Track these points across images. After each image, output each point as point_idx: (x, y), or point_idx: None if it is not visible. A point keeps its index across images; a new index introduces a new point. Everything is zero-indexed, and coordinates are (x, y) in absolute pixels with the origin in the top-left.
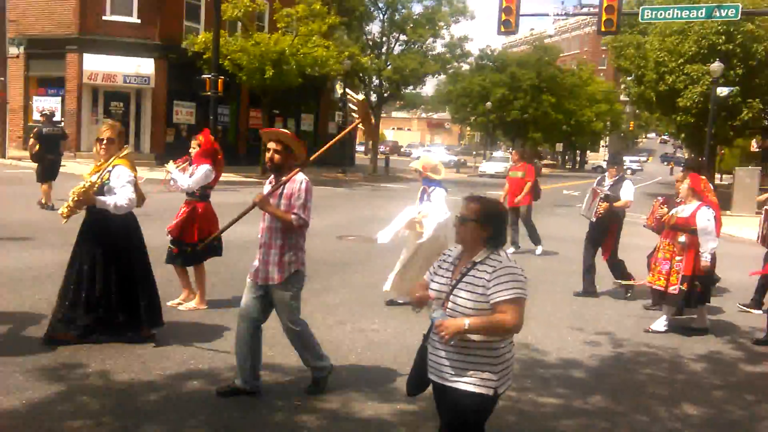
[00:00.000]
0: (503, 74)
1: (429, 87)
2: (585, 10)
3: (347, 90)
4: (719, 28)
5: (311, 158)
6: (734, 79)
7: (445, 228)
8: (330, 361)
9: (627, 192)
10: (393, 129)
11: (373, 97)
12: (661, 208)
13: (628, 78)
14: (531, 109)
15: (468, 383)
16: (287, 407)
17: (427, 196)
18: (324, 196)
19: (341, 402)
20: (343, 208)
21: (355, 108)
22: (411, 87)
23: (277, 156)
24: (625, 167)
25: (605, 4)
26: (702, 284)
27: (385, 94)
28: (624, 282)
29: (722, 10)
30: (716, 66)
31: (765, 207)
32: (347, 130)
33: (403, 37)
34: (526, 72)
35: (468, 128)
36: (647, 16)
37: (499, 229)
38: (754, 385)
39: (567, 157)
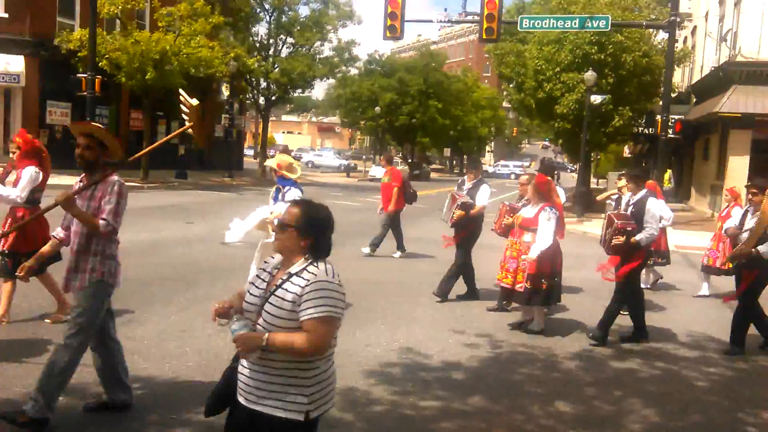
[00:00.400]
0: (392, 79)
1: (319, 91)
2: (469, 18)
3: (181, 92)
4: (592, 38)
5: (131, 158)
6: (606, 87)
7: None
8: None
9: (482, 197)
10: (283, 132)
11: (261, 100)
12: (508, 218)
13: (510, 85)
14: (419, 114)
15: (275, 407)
16: (161, 421)
17: (281, 196)
18: (210, 201)
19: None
20: (229, 213)
21: (188, 111)
22: (299, 90)
23: (87, 152)
24: (509, 172)
25: (486, 12)
26: (548, 284)
27: (273, 97)
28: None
29: (594, 21)
30: (590, 75)
31: (608, 213)
32: (175, 133)
33: (290, 40)
34: (414, 77)
35: (358, 132)
36: (525, 24)
37: (322, 237)
38: (621, 380)
39: (454, 161)
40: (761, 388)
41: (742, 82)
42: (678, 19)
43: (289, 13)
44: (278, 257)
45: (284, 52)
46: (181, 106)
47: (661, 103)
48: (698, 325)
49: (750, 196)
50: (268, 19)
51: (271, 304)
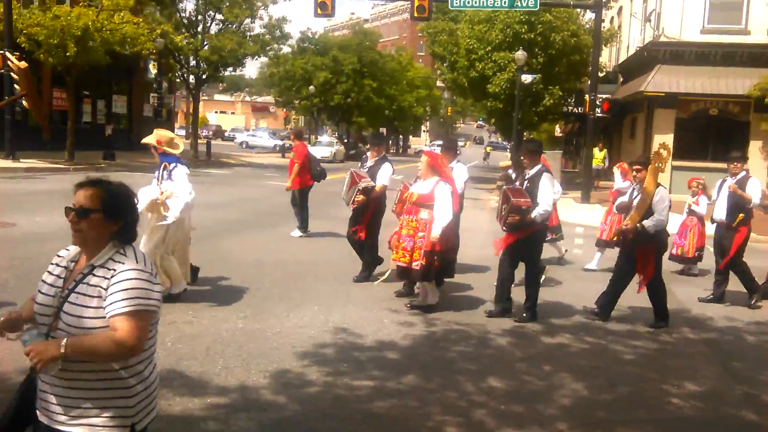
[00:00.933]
0: (325, 58)
1: (252, 70)
2: None
3: (7, 54)
4: (522, 17)
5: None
6: (537, 66)
7: (190, 209)
8: None
9: (383, 176)
10: (216, 112)
11: (191, 79)
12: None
13: (443, 64)
14: (354, 94)
15: (86, 425)
16: None
17: (167, 174)
18: (135, 183)
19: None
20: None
21: (17, 77)
22: (230, 69)
23: None
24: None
25: None
26: (440, 260)
27: (203, 76)
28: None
29: (522, 1)
30: (520, 54)
31: (503, 188)
32: (9, 100)
33: (219, 17)
34: (348, 56)
35: (293, 112)
36: (456, 3)
37: (131, 219)
38: (552, 356)
39: (391, 141)
40: (684, 358)
41: (666, 61)
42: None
43: None
44: (74, 248)
45: (213, 29)
46: (10, 73)
47: (589, 82)
48: (624, 298)
49: (634, 173)
50: None
51: (71, 303)
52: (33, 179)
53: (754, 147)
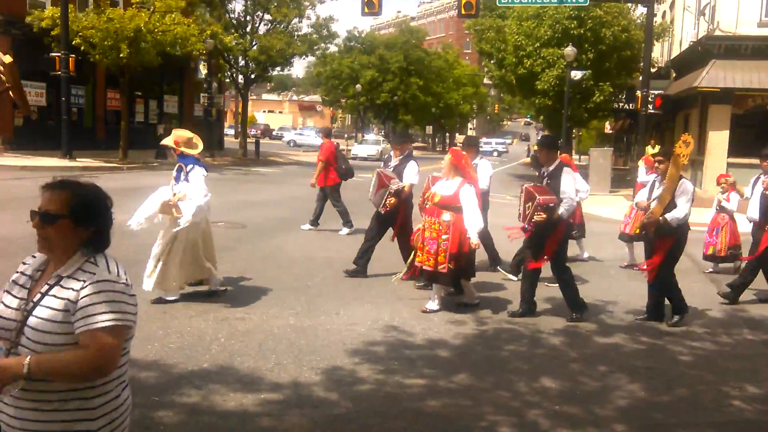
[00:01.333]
0: (372, 56)
1: (299, 69)
2: None
3: None
4: (571, 13)
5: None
6: (586, 63)
7: (206, 212)
8: None
9: (410, 174)
10: (264, 111)
11: (240, 79)
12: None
13: (490, 61)
14: (400, 92)
15: None
16: (144, 403)
17: (184, 176)
18: None
19: (202, 395)
20: (212, 194)
21: (2, 69)
22: (278, 68)
23: None
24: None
25: None
26: (465, 260)
27: (252, 75)
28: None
29: None
30: (570, 50)
31: (525, 186)
32: None
33: (267, 17)
34: (394, 54)
35: (339, 111)
36: (504, 0)
37: (104, 225)
38: (607, 356)
39: (437, 139)
40: (744, 361)
41: (720, 56)
42: None
43: None
44: (40, 256)
45: (262, 29)
46: None
47: (641, 78)
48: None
49: (657, 164)
50: None
51: (36, 317)
52: (89, 178)
53: None
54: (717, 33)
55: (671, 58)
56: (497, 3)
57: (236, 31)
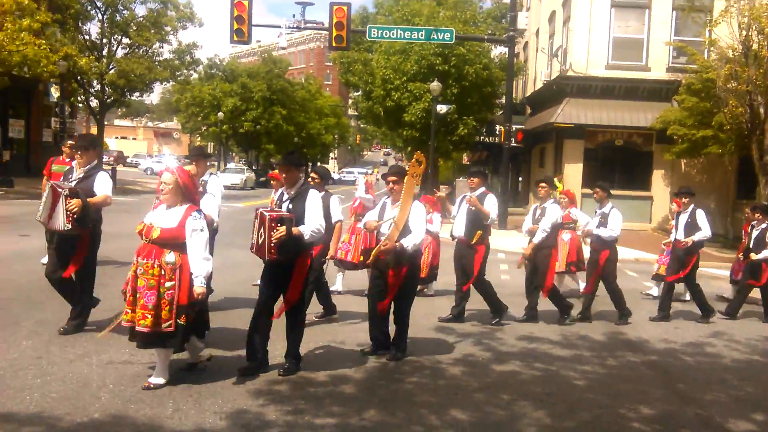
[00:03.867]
0: (234, 84)
1: (154, 95)
2: (314, 25)
3: None
4: (436, 50)
5: None
6: (451, 97)
7: None
8: None
9: (104, 186)
10: (116, 138)
11: (94, 103)
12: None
13: (356, 93)
14: (263, 121)
15: None
16: None
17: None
18: (35, 211)
19: None
20: None
21: None
22: (138, 94)
23: None
24: (354, 178)
25: (335, 21)
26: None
27: (109, 100)
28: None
29: (439, 34)
30: (435, 85)
31: (258, 210)
32: None
33: (126, 40)
34: (258, 83)
35: (199, 138)
36: (374, 34)
37: None
38: (507, 384)
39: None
40: (633, 383)
41: (573, 95)
42: (515, 35)
43: (125, 12)
44: None
45: (120, 52)
46: None
47: (500, 113)
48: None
49: (391, 185)
50: (101, 18)
51: None
52: None
53: (657, 175)
54: (570, 73)
55: (526, 95)
56: (367, 37)
57: (91, 53)
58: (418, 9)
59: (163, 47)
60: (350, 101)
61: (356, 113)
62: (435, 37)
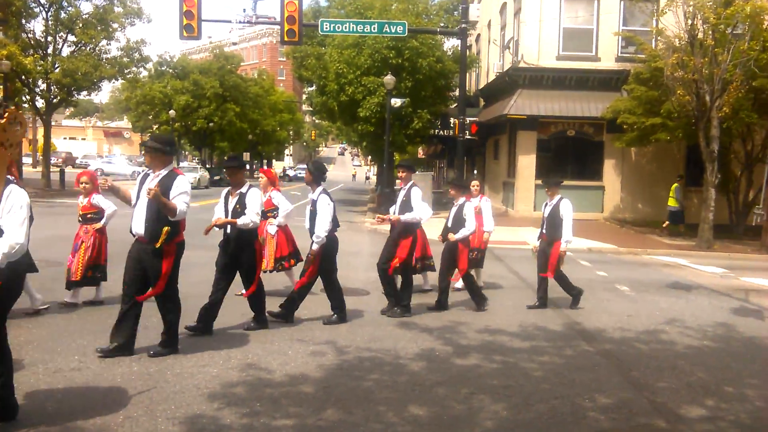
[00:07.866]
0: (185, 81)
1: (104, 93)
2: (265, 19)
3: None
4: (389, 43)
5: None
6: (405, 91)
7: None
8: None
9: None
10: (65, 138)
11: (40, 103)
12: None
13: (311, 88)
14: (216, 118)
15: None
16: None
17: None
18: None
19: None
20: None
21: None
22: (85, 92)
23: None
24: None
25: (286, 15)
26: None
27: (55, 100)
28: None
29: (392, 27)
30: (389, 78)
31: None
32: None
33: (72, 38)
34: (210, 80)
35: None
36: (326, 28)
37: None
38: (466, 377)
39: (254, 165)
40: (588, 372)
41: (526, 86)
42: (468, 27)
43: (69, 9)
44: None
45: (65, 50)
46: None
47: (454, 106)
48: (529, 315)
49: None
50: (45, 15)
51: None
52: None
53: (608, 164)
54: (522, 65)
55: (480, 87)
56: (319, 31)
57: (35, 52)
58: (371, 2)
59: (110, 44)
60: (304, 96)
61: (311, 108)
62: (388, 30)
